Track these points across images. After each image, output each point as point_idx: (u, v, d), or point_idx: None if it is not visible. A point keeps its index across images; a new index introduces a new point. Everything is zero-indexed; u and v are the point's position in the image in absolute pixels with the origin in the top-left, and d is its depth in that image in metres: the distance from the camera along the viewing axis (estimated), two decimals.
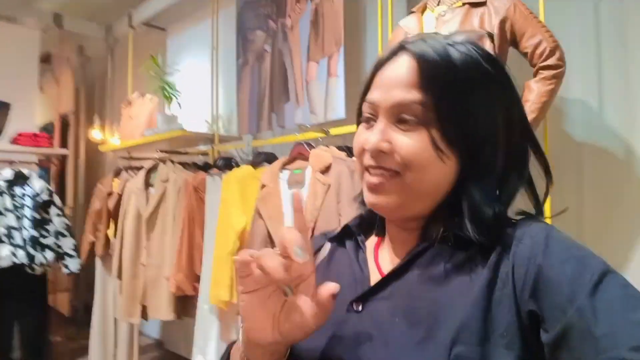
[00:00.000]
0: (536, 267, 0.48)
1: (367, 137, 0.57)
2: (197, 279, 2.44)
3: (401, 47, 0.57)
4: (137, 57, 3.50)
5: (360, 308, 0.56)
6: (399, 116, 0.55)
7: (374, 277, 0.59)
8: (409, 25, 1.69)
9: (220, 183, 2.46)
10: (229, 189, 2.35)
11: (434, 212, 0.58)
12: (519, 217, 0.58)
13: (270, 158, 2.49)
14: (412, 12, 1.76)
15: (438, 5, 1.66)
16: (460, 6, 1.58)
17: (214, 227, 2.39)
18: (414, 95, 0.53)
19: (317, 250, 0.71)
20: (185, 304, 2.50)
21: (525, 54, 1.52)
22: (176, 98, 2.83)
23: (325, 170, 1.93)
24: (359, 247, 0.64)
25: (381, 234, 0.66)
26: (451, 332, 0.48)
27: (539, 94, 1.45)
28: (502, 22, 1.49)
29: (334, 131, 2.18)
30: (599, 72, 1.72)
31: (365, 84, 0.61)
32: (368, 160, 0.57)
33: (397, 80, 0.55)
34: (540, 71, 1.48)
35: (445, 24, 1.58)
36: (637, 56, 1.64)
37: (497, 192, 0.58)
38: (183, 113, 2.92)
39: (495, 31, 1.48)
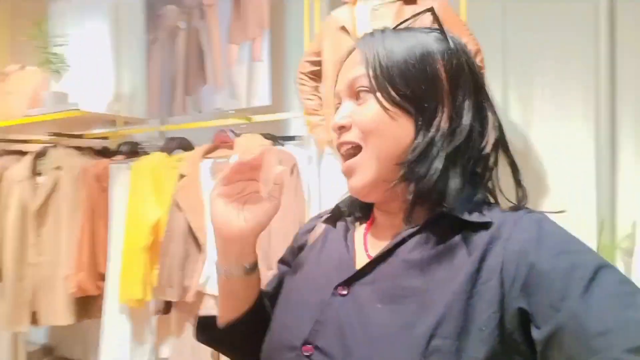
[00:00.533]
0: (528, 262, 0.47)
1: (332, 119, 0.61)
2: (101, 277, 2.20)
3: (354, 46, 0.63)
4: (15, 24, 2.99)
5: (345, 292, 0.56)
6: (354, 91, 0.59)
7: (361, 261, 0.59)
8: (342, 17, 1.68)
9: (127, 172, 2.24)
10: (140, 179, 2.14)
11: (416, 192, 0.57)
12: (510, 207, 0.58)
13: (184, 144, 2.31)
14: (345, 2, 1.75)
15: None
16: (394, 2, 1.61)
17: (121, 221, 2.17)
18: (359, 70, 0.59)
19: (309, 231, 0.72)
20: (86, 305, 2.24)
21: None
22: (64, 72, 2.48)
23: None
24: (348, 229, 0.65)
25: (372, 215, 0.66)
26: (430, 323, 0.48)
27: None
28: (433, 22, 1.55)
29: (257, 118, 2.10)
30: (504, 74, 1.88)
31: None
32: (336, 139, 0.61)
33: (350, 65, 0.61)
34: None
35: (379, 19, 1.60)
36: (538, 62, 1.83)
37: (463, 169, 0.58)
38: (76, 90, 2.57)
39: None
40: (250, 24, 2.11)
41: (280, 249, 1.73)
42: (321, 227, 0.71)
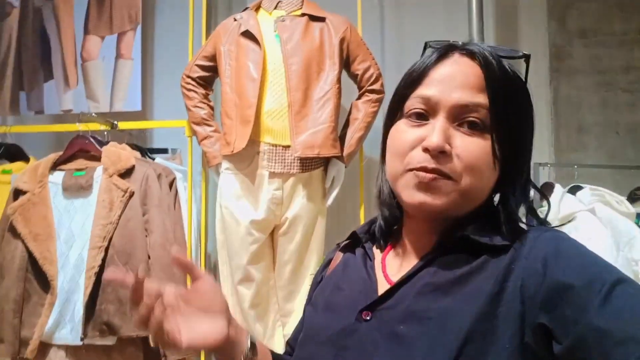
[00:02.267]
0: (546, 278, 0.48)
1: (425, 135, 0.53)
2: None
3: (459, 47, 0.57)
4: None
5: (369, 317, 0.54)
6: (463, 118, 0.53)
7: (382, 286, 0.58)
8: (245, 22, 1.55)
9: None
10: None
11: (458, 220, 0.56)
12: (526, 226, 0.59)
13: (14, 152, 1.80)
14: (247, 8, 1.63)
15: (275, 9, 1.59)
16: (300, 16, 1.56)
17: None
18: (482, 99, 0.53)
19: (327, 264, 0.70)
20: None
21: (354, 76, 1.62)
22: None
23: (126, 173, 1.54)
24: (367, 255, 0.63)
25: (391, 241, 0.63)
26: (456, 344, 0.48)
27: (365, 114, 1.59)
28: (341, 42, 1.56)
29: (123, 125, 1.77)
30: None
31: (409, 79, 0.58)
32: (423, 160, 0.53)
33: (461, 81, 0.54)
34: (367, 94, 1.61)
35: (287, 30, 1.53)
36: None
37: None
38: None
39: (336, 50, 1.54)
40: (118, 16, 1.79)
41: (162, 279, 1.47)
42: (339, 257, 0.68)
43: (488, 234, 0.54)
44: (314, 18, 1.57)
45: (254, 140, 1.49)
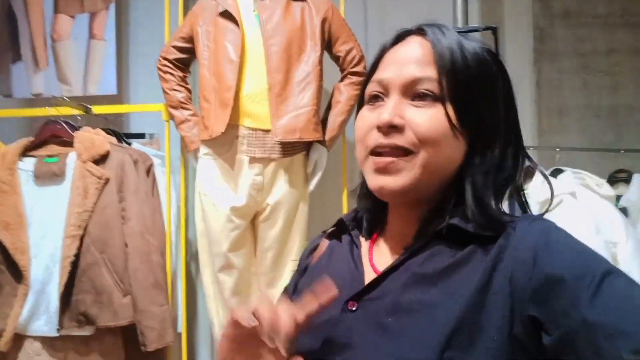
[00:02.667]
0: (536, 270, 0.48)
1: (377, 114, 0.54)
2: None
3: (413, 30, 0.58)
4: None
5: (355, 307, 0.54)
6: (414, 92, 0.54)
7: (369, 275, 0.57)
8: (227, 2, 1.48)
9: None
10: None
11: (438, 203, 0.56)
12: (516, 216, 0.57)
13: None
14: None
15: None
16: None
17: None
18: (430, 71, 0.53)
19: (312, 251, 0.69)
20: None
21: (336, 58, 1.58)
22: None
23: (101, 159, 1.49)
24: (354, 243, 0.62)
25: (377, 229, 0.63)
26: (444, 337, 0.47)
27: (348, 97, 1.55)
28: (323, 23, 1.52)
29: (98, 109, 1.70)
30: None
31: (371, 66, 0.60)
32: (377, 138, 0.53)
33: (412, 58, 0.55)
34: (349, 76, 1.57)
35: (266, 10, 1.47)
36: None
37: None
38: None
39: (318, 30, 1.50)
40: None
41: (140, 268, 1.44)
42: (325, 244, 0.67)
43: (471, 221, 0.52)
44: None
45: (233, 125, 1.45)
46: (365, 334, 0.52)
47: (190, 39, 1.55)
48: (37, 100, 1.80)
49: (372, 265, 0.58)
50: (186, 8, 1.74)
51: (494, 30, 0.59)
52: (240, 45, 1.45)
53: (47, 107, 1.65)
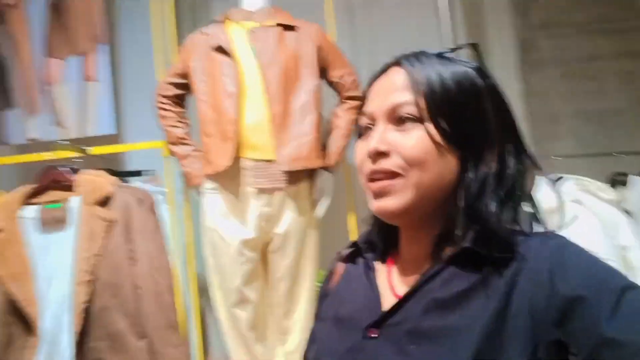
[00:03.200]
0: (556, 294, 0.48)
1: (368, 144, 0.57)
2: None
3: (394, 62, 0.60)
4: None
5: (376, 335, 0.54)
6: (396, 117, 0.56)
7: (387, 299, 0.58)
8: (215, 36, 1.50)
9: None
10: None
11: (446, 226, 0.57)
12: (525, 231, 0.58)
13: None
14: (215, 21, 1.58)
15: (246, 20, 1.55)
16: (273, 26, 1.53)
17: None
18: (407, 96, 0.56)
19: (330, 277, 0.70)
20: None
21: (331, 83, 1.61)
22: None
23: (105, 201, 1.47)
24: (369, 267, 0.63)
25: (392, 253, 0.64)
26: None
27: (347, 121, 1.57)
28: (317, 50, 1.54)
29: (98, 150, 1.69)
30: None
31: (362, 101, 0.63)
32: (369, 165, 0.56)
33: (391, 87, 0.58)
34: (347, 101, 1.59)
35: (260, 41, 1.49)
36: None
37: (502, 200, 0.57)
38: None
39: (312, 58, 1.51)
40: (80, 35, 1.71)
41: (153, 310, 1.42)
42: (341, 268, 0.68)
43: (486, 243, 0.53)
44: (286, 27, 1.54)
45: (236, 157, 1.45)
46: None
47: (185, 75, 1.56)
48: (32, 146, 1.78)
49: (391, 288, 0.59)
50: (175, 44, 1.74)
51: (475, 47, 0.61)
52: (238, 78, 1.46)
53: (42, 152, 1.63)
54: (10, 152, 1.77)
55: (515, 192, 0.56)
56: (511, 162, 0.56)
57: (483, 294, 0.51)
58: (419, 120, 0.55)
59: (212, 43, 1.50)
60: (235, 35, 1.54)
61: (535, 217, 0.58)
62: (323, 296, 0.70)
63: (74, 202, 1.47)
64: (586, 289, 0.47)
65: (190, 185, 1.58)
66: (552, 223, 0.61)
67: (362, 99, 0.63)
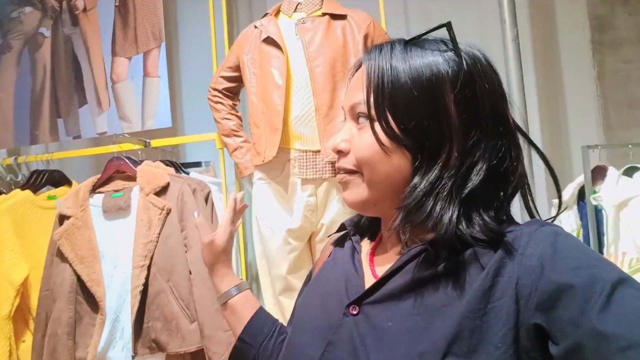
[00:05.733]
0: (544, 277, 0.46)
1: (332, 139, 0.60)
2: None
3: (364, 56, 0.60)
4: None
5: (356, 312, 0.55)
6: (356, 115, 0.58)
7: (369, 280, 0.59)
8: (265, 28, 1.53)
9: None
10: None
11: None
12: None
13: (57, 177, 1.87)
14: (267, 14, 1.61)
15: (295, 11, 1.56)
16: (321, 16, 1.53)
17: None
18: (361, 95, 0.56)
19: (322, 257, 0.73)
20: None
21: None
22: None
23: (162, 191, 1.56)
24: (354, 248, 0.64)
25: (378, 235, 0.65)
26: (444, 342, 0.47)
27: None
28: (365, 39, 1.52)
29: (156, 142, 1.79)
30: None
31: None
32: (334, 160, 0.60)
33: (354, 84, 0.59)
34: None
35: (308, 32, 1.50)
36: None
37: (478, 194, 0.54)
38: None
39: (361, 47, 1.50)
40: (142, 35, 1.81)
41: (205, 295, 1.48)
42: (328, 251, 0.71)
43: (472, 225, 0.52)
44: (335, 16, 1.53)
45: (283, 148, 1.47)
46: (366, 337, 0.52)
47: (237, 68, 1.60)
48: (101, 139, 1.93)
49: (372, 270, 0.60)
50: (231, 39, 1.80)
51: (448, 26, 0.55)
52: (286, 69, 1.47)
53: (110, 145, 1.76)
54: (82, 146, 1.93)
55: (490, 191, 0.53)
56: (482, 159, 0.53)
57: (465, 273, 0.51)
58: (369, 119, 0.55)
59: (263, 35, 1.53)
60: (285, 27, 1.55)
61: (529, 211, 0.57)
62: (308, 278, 0.74)
63: (134, 191, 1.58)
64: (577, 278, 0.45)
65: (241, 176, 1.63)
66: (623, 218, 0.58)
67: None
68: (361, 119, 0.56)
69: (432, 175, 0.52)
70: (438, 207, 0.52)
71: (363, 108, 0.55)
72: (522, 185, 0.56)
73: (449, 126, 0.53)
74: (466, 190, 0.52)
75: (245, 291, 0.78)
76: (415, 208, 0.52)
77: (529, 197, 0.57)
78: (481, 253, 0.51)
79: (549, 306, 0.45)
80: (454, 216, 0.51)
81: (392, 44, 0.57)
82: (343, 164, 0.58)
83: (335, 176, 1.48)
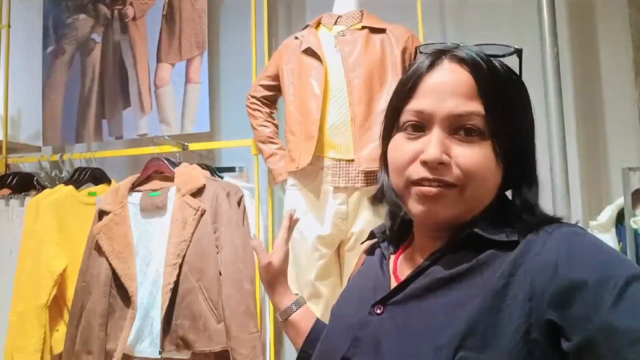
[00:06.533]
0: (558, 274, 0.47)
1: (423, 148, 0.55)
2: None
3: (444, 53, 0.57)
4: None
5: (380, 311, 0.58)
6: (459, 126, 0.54)
7: (394, 283, 0.62)
8: (306, 39, 1.57)
9: (18, 209, 1.80)
10: (39, 218, 1.72)
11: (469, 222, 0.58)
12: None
13: (98, 175, 1.95)
14: (307, 25, 1.65)
15: (335, 24, 1.60)
16: (360, 29, 1.56)
17: (7, 273, 1.71)
18: (475, 106, 0.54)
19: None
20: None
21: None
22: None
23: (197, 192, 1.60)
24: (383, 255, 0.67)
25: (405, 242, 0.67)
26: (458, 337, 0.49)
27: None
28: (403, 52, 1.54)
29: (193, 146, 1.85)
30: None
31: (402, 91, 0.59)
32: (422, 172, 0.55)
33: (453, 90, 0.55)
34: None
35: (348, 44, 1.53)
36: None
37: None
38: None
39: (399, 60, 1.52)
40: (186, 43, 1.89)
41: (233, 296, 1.51)
42: (362, 259, 0.75)
43: (495, 230, 0.54)
44: (374, 30, 1.56)
45: (318, 156, 1.49)
46: (390, 335, 0.55)
47: (276, 77, 1.64)
48: (142, 140, 2.01)
49: (395, 275, 0.63)
50: (271, 49, 1.85)
51: (519, 53, 0.57)
52: (324, 80, 1.50)
53: (151, 146, 1.83)
54: (123, 146, 2.01)
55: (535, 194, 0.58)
56: (534, 170, 0.59)
57: (485, 272, 0.52)
58: (484, 134, 0.54)
59: (303, 46, 1.57)
60: (325, 38, 1.59)
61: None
62: (347, 285, 0.76)
63: (171, 191, 1.63)
64: (590, 274, 0.45)
65: (275, 182, 1.66)
66: None
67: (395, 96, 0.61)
68: (471, 133, 0.54)
69: (528, 186, 0.57)
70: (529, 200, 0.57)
71: (478, 122, 0.54)
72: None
73: (534, 143, 0.59)
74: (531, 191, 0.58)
75: (304, 306, 0.81)
76: (521, 219, 0.55)
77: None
78: (499, 254, 0.53)
79: (562, 303, 0.46)
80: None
81: (481, 55, 0.56)
82: (444, 176, 0.54)
83: (367, 186, 1.52)
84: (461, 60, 0.55)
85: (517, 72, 0.58)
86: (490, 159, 0.54)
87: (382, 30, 1.56)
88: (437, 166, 0.53)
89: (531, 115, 0.58)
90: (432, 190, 0.54)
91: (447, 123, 0.54)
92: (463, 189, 0.54)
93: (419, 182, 0.55)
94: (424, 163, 0.54)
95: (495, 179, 0.56)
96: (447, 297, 0.53)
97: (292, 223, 0.84)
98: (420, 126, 0.56)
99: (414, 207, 0.56)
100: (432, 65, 0.57)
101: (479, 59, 0.55)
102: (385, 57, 1.52)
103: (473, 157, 0.53)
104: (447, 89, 0.54)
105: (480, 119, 0.53)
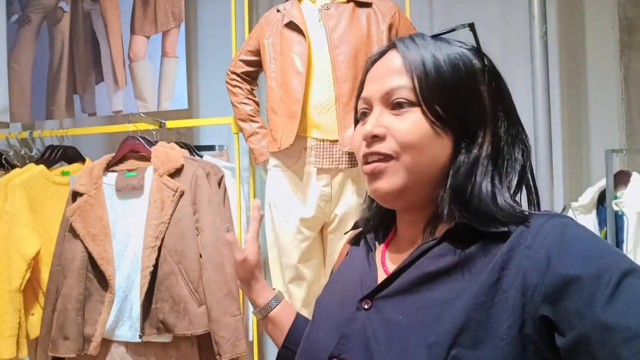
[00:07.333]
0: (551, 269, 0.47)
1: (363, 128, 0.59)
2: None
3: (391, 45, 0.61)
4: None
5: (368, 306, 0.57)
6: (392, 101, 0.57)
7: (382, 276, 0.60)
8: (288, 13, 1.50)
9: None
10: (8, 199, 1.65)
11: (439, 205, 0.57)
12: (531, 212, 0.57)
13: (71, 154, 1.87)
14: None
15: None
16: (345, 2, 1.49)
17: None
18: (404, 80, 0.56)
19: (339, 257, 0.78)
20: None
21: None
22: None
23: (176, 173, 1.55)
24: (369, 246, 0.66)
25: (390, 233, 0.67)
26: (451, 333, 0.48)
27: None
28: (389, 28, 1.48)
29: (171, 124, 1.78)
30: None
31: (358, 86, 0.65)
32: (364, 148, 0.58)
33: (387, 71, 0.59)
34: None
35: (332, 18, 1.47)
36: None
37: (499, 181, 0.57)
38: None
39: (384, 37, 1.47)
40: (162, 14, 1.79)
41: (214, 279, 1.48)
42: (346, 249, 0.74)
43: (483, 220, 0.53)
44: (360, 4, 1.49)
45: (301, 136, 1.45)
46: (377, 330, 0.54)
47: (257, 52, 1.58)
48: (116, 117, 1.92)
49: (384, 266, 0.62)
50: (251, 22, 1.77)
51: (471, 27, 0.59)
52: (307, 56, 1.45)
53: (126, 124, 1.75)
54: (97, 123, 1.92)
55: (511, 175, 0.57)
56: (507, 145, 0.57)
57: (473, 266, 0.51)
58: (413, 104, 0.55)
59: (285, 20, 1.50)
60: (308, 12, 1.52)
61: (536, 202, 0.59)
62: (330, 277, 0.75)
63: (148, 172, 1.57)
64: (584, 269, 0.45)
65: (256, 162, 1.61)
66: None
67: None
68: (403, 105, 0.56)
69: (472, 157, 0.55)
70: (478, 185, 0.54)
71: (406, 94, 0.56)
72: (528, 180, 0.59)
73: (484, 113, 0.57)
74: (495, 174, 0.56)
75: (283, 301, 0.79)
76: (462, 185, 0.54)
77: (534, 192, 0.59)
78: (489, 246, 0.52)
79: (556, 298, 0.45)
80: (489, 190, 0.54)
81: (421, 35, 0.60)
82: (379, 148, 0.56)
83: (352, 167, 1.49)
84: (395, 45, 0.59)
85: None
86: (422, 126, 0.55)
87: (368, 4, 1.49)
88: (372, 140, 0.56)
89: (475, 88, 0.56)
90: (371, 166, 0.57)
91: (383, 101, 0.58)
92: (399, 158, 0.55)
93: (365, 161, 0.58)
94: (364, 140, 0.57)
95: (436, 148, 0.55)
96: (436, 292, 0.52)
97: (261, 216, 0.83)
98: (368, 112, 0.59)
99: (369, 189, 0.59)
100: (378, 57, 0.61)
101: (409, 39, 0.59)
102: (371, 33, 1.46)
103: (404, 126, 0.55)
104: (382, 72, 0.59)
105: (407, 90, 0.56)
